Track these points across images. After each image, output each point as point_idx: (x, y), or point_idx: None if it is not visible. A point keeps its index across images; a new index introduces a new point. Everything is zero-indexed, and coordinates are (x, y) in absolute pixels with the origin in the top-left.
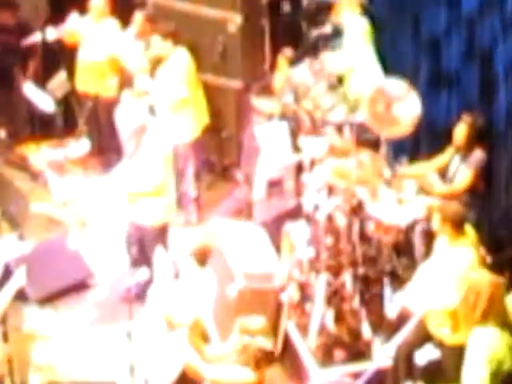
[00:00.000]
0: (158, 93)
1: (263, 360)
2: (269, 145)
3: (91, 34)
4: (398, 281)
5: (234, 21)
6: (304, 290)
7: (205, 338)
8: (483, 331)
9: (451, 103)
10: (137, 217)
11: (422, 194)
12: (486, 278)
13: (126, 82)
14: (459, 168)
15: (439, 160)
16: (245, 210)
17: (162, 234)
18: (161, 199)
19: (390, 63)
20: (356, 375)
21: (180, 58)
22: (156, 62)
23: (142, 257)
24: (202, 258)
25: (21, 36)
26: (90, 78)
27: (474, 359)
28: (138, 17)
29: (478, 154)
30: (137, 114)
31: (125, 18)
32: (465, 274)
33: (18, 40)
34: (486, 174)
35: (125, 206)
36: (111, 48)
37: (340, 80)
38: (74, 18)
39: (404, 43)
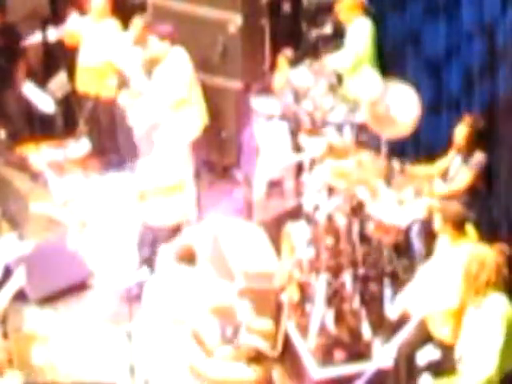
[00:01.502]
0: (156, 93)
1: (255, 359)
2: (269, 145)
3: (91, 34)
4: (398, 281)
5: (234, 21)
6: (304, 290)
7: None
8: (497, 298)
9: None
10: (151, 218)
11: (421, 194)
12: (489, 250)
13: (123, 82)
14: (460, 169)
15: (442, 162)
16: (245, 210)
17: (175, 233)
18: (177, 199)
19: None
20: (356, 376)
21: (178, 58)
22: (153, 63)
23: (152, 257)
24: (188, 257)
25: (9, 38)
26: (91, 78)
27: (490, 326)
28: (137, 23)
29: (479, 156)
30: (150, 113)
31: (125, 20)
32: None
33: (6, 42)
34: (486, 173)
35: (138, 206)
36: (109, 53)
37: (340, 80)
38: (74, 18)
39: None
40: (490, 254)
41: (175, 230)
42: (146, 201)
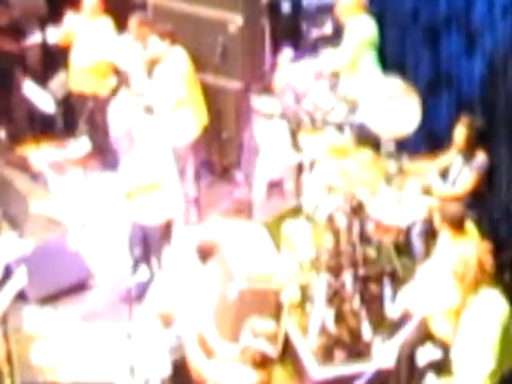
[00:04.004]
0: (155, 93)
1: (261, 363)
2: (269, 145)
3: (85, 33)
4: (397, 281)
5: (235, 21)
6: (304, 290)
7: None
8: (488, 295)
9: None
10: (140, 217)
11: (423, 194)
12: (469, 247)
13: (123, 81)
14: (462, 170)
15: (442, 160)
16: (245, 211)
17: (166, 233)
18: (164, 197)
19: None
20: (356, 375)
21: (177, 58)
22: (153, 62)
23: (145, 257)
24: (205, 254)
25: (15, 37)
26: (85, 78)
27: (484, 323)
28: (133, 23)
29: (481, 158)
30: (130, 112)
31: (126, 19)
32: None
33: (13, 41)
34: (487, 174)
35: (126, 206)
36: (104, 52)
37: (341, 80)
38: (70, 18)
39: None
40: (471, 253)
41: (166, 228)
42: (133, 200)
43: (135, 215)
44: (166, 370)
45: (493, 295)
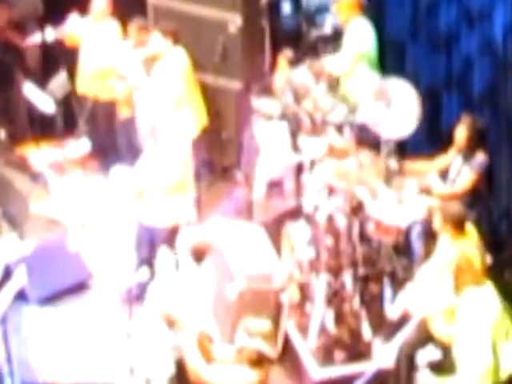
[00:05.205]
0: (154, 91)
1: (257, 363)
2: (269, 145)
3: (92, 36)
4: (397, 281)
5: (235, 21)
6: (304, 290)
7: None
8: (479, 291)
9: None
10: (149, 218)
11: (422, 194)
12: (462, 246)
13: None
14: (461, 169)
15: (442, 160)
16: (245, 211)
17: (173, 234)
18: (176, 200)
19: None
20: (356, 376)
21: (177, 57)
22: (153, 60)
23: (151, 257)
24: (200, 255)
25: (16, 34)
26: (91, 80)
27: (478, 317)
28: (132, 28)
29: (480, 157)
30: (156, 111)
31: (126, 20)
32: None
33: (14, 38)
34: (487, 174)
35: (135, 206)
36: (110, 57)
37: (340, 80)
38: (74, 19)
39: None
40: (460, 253)
41: (173, 231)
42: (143, 200)
43: (144, 216)
44: (170, 370)
45: (485, 292)
